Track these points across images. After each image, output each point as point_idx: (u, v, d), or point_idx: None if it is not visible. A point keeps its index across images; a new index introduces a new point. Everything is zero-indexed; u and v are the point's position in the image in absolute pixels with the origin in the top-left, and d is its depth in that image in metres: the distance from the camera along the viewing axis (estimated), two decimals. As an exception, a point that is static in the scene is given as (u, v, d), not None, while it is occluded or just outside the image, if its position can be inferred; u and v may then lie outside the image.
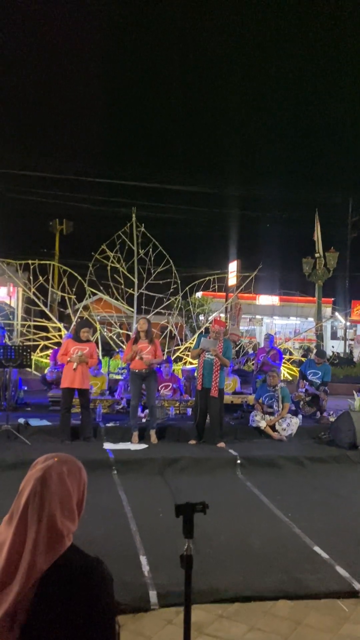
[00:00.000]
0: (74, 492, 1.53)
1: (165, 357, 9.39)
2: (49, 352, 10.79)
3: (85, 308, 12.22)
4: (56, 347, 10.15)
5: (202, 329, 12.69)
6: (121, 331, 12.31)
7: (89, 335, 6.81)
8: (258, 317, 28.10)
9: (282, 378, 10.39)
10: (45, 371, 10.00)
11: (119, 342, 11.77)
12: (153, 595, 3.16)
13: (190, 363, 10.77)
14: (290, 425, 7.22)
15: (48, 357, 10.84)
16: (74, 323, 10.45)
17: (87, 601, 1.34)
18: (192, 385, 8.57)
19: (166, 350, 11.18)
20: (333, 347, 26.82)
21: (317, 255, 15.47)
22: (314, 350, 11.78)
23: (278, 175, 57.16)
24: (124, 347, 10.78)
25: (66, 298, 11.94)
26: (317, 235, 15.58)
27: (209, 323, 11.68)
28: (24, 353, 6.85)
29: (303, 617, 3.03)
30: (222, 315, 16.83)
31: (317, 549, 3.91)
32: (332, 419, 7.88)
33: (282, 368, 10.79)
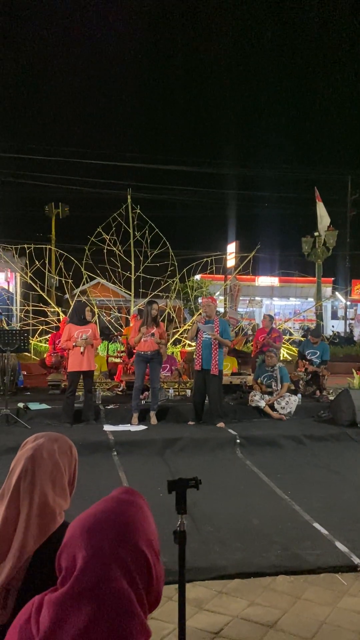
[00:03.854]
0: (65, 470, 1.53)
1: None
2: (48, 336, 10.78)
3: (83, 292, 12.17)
4: (55, 332, 10.13)
5: (200, 312, 12.64)
6: (120, 315, 12.27)
7: (90, 315, 6.84)
8: (257, 298, 28.00)
9: (281, 358, 10.40)
10: (45, 355, 10.00)
11: (117, 326, 11.74)
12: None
13: (189, 346, 10.76)
14: (289, 403, 7.23)
15: (47, 342, 10.83)
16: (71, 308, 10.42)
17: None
18: (192, 368, 8.57)
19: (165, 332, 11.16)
20: (333, 326, 26.86)
21: (316, 234, 15.33)
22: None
23: (276, 154, 56.64)
24: (122, 331, 10.77)
25: (63, 282, 11.88)
26: (320, 212, 15.35)
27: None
28: (22, 337, 6.83)
29: (302, 591, 3.05)
30: (222, 297, 16.76)
31: (316, 525, 3.93)
32: (331, 398, 7.90)
33: (282, 349, 10.78)
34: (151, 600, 0.92)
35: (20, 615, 0.94)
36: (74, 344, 6.50)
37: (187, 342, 10.90)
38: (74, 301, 11.28)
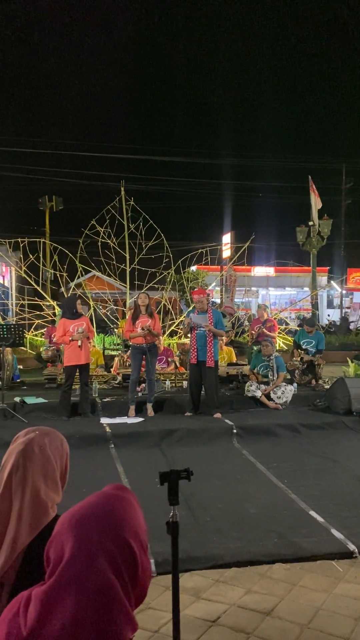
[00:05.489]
0: (57, 463, 1.53)
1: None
2: (44, 330, 10.77)
3: (78, 286, 12.14)
4: (51, 325, 10.12)
5: (194, 305, 12.63)
6: (115, 307, 12.25)
7: (81, 308, 6.86)
8: (253, 289, 27.93)
9: (277, 348, 10.41)
10: (41, 349, 10.00)
11: (113, 319, 11.73)
12: (152, 564, 3.20)
13: (186, 337, 10.75)
14: (285, 392, 7.26)
15: (43, 336, 10.82)
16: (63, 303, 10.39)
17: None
18: (188, 359, 8.57)
19: (160, 324, 11.16)
20: (329, 315, 26.90)
21: (310, 223, 15.30)
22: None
23: (271, 144, 56.39)
24: (119, 323, 10.75)
25: (58, 275, 11.85)
26: (314, 201, 15.31)
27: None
28: (17, 332, 6.82)
29: (299, 578, 3.08)
30: (217, 288, 16.71)
31: (312, 513, 3.95)
32: (327, 386, 7.93)
33: (277, 338, 10.80)
34: (137, 592, 0.93)
35: (7, 609, 0.94)
36: (70, 338, 6.50)
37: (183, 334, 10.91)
38: (67, 295, 11.28)
